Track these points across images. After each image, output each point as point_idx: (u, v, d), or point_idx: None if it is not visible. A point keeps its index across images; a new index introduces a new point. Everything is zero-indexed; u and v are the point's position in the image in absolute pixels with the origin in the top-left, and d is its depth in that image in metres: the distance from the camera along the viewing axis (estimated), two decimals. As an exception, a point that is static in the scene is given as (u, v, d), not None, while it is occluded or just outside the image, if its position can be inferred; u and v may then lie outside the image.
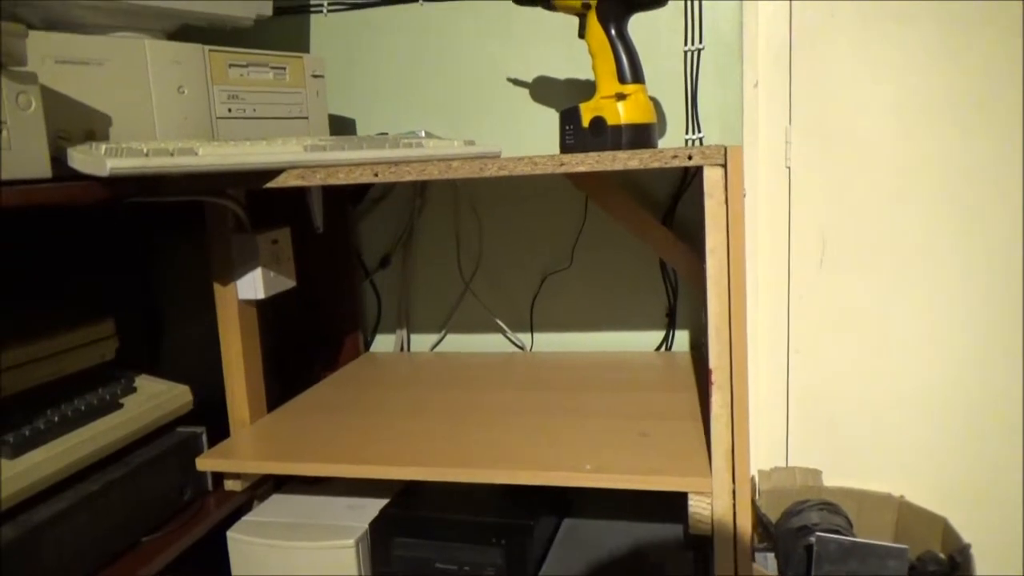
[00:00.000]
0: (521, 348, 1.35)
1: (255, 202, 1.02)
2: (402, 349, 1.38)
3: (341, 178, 0.80)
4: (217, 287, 0.97)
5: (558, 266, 1.31)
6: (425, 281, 1.36)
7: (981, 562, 1.26)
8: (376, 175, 0.80)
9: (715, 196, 0.75)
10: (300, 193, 1.21)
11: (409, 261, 1.36)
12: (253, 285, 0.96)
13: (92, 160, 0.72)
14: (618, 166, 0.77)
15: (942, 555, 1.15)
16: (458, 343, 1.37)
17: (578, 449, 0.88)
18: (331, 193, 1.28)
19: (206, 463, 0.90)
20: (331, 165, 0.82)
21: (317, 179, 0.81)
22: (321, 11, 1.32)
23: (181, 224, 1.00)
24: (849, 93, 1.22)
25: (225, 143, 0.81)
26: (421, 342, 1.38)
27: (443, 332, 1.37)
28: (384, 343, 1.39)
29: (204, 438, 0.95)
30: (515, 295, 1.34)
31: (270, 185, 0.82)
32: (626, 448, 0.88)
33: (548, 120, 1.28)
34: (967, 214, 1.20)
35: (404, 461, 0.87)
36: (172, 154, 0.74)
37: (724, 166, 0.75)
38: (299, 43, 1.34)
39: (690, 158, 0.76)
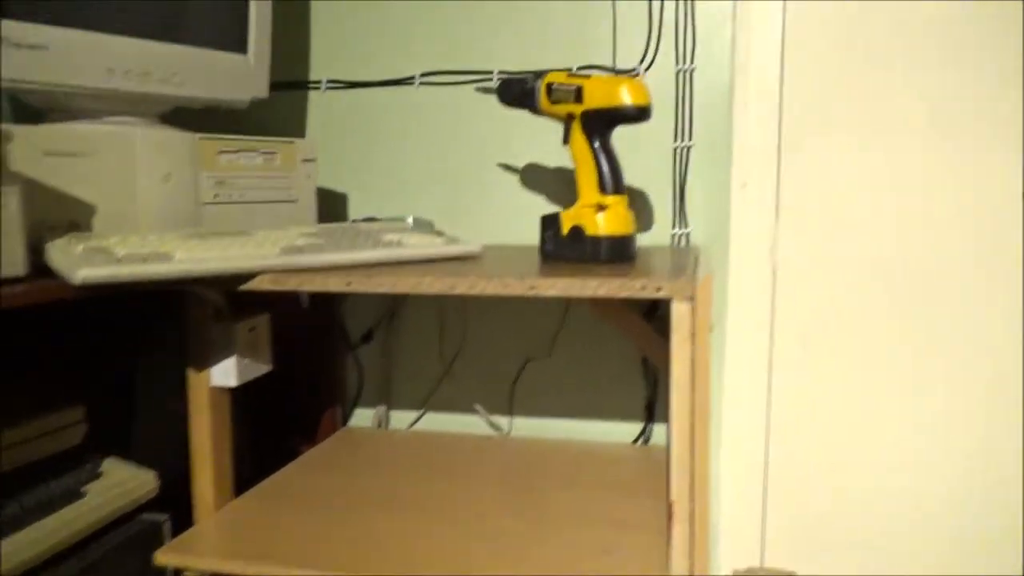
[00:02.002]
0: (498, 430, 1.34)
1: (237, 293, 1.02)
2: (380, 425, 1.38)
3: (316, 285, 0.81)
4: (191, 373, 0.98)
5: (540, 353, 1.31)
6: (407, 358, 1.36)
7: None
8: (348, 284, 0.80)
9: (681, 331, 0.76)
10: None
11: (392, 338, 1.36)
12: (226, 373, 0.97)
13: (66, 263, 0.73)
14: (587, 293, 0.77)
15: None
16: (437, 421, 1.37)
17: (537, 563, 0.88)
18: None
19: (165, 558, 0.89)
20: (306, 270, 0.82)
21: (291, 284, 0.81)
22: (319, 88, 1.35)
23: (160, 310, 1.01)
24: (837, 194, 1.22)
25: (202, 243, 0.82)
26: (400, 419, 1.38)
27: (423, 410, 1.37)
28: (363, 417, 1.39)
29: (167, 526, 0.94)
30: (496, 377, 1.34)
31: (245, 288, 0.82)
32: (585, 564, 0.87)
33: (537, 208, 1.29)
34: (955, 317, 1.20)
35: (361, 568, 0.86)
36: (145, 260, 0.75)
37: (692, 300, 0.75)
38: (295, 119, 1.36)
39: (659, 290, 0.76)
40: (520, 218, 1.29)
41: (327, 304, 1.31)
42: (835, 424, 1.26)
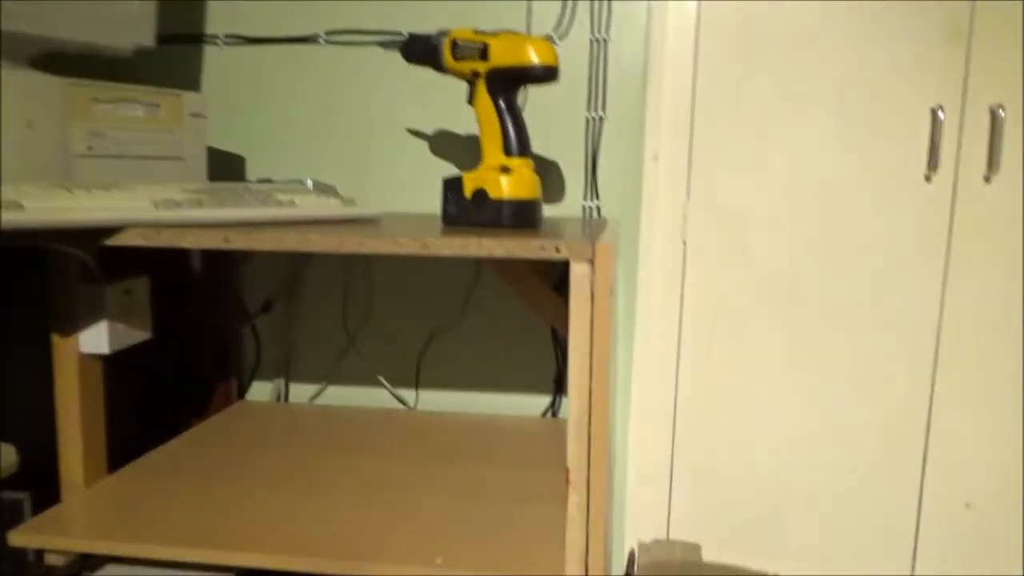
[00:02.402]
0: (405, 405, 1.30)
1: (112, 252, 0.94)
2: (279, 399, 1.31)
3: (189, 241, 0.75)
4: (56, 339, 0.90)
5: (448, 324, 1.28)
6: (309, 330, 1.30)
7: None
8: (227, 241, 0.74)
9: (581, 293, 0.73)
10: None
11: (293, 308, 1.30)
12: (98, 339, 0.89)
13: None
14: (483, 253, 0.74)
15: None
16: (340, 396, 1.31)
17: (435, 536, 0.84)
18: (212, 232, 1.21)
19: (21, 538, 0.81)
20: (179, 225, 0.76)
21: (163, 240, 0.75)
22: (216, 43, 1.26)
23: (18, 267, 0.92)
24: (750, 172, 1.22)
25: (65, 194, 0.74)
26: (300, 392, 1.32)
27: (324, 384, 1.31)
28: (260, 390, 1.32)
29: (26, 505, 0.86)
30: (402, 349, 1.29)
31: (111, 242, 0.75)
32: (485, 538, 0.84)
33: (446, 173, 1.24)
34: (860, 292, 1.22)
35: (242, 546, 0.81)
36: (-9, 207, 0.67)
37: (592, 262, 0.73)
38: (190, 75, 1.27)
39: (557, 251, 0.73)
40: (430, 185, 1.25)
41: (223, 272, 1.23)
42: (742, 399, 1.27)
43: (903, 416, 1.23)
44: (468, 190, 0.92)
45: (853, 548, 1.27)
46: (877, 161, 1.19)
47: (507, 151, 0.91)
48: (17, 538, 0.81)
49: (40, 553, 0.88)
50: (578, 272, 0.73)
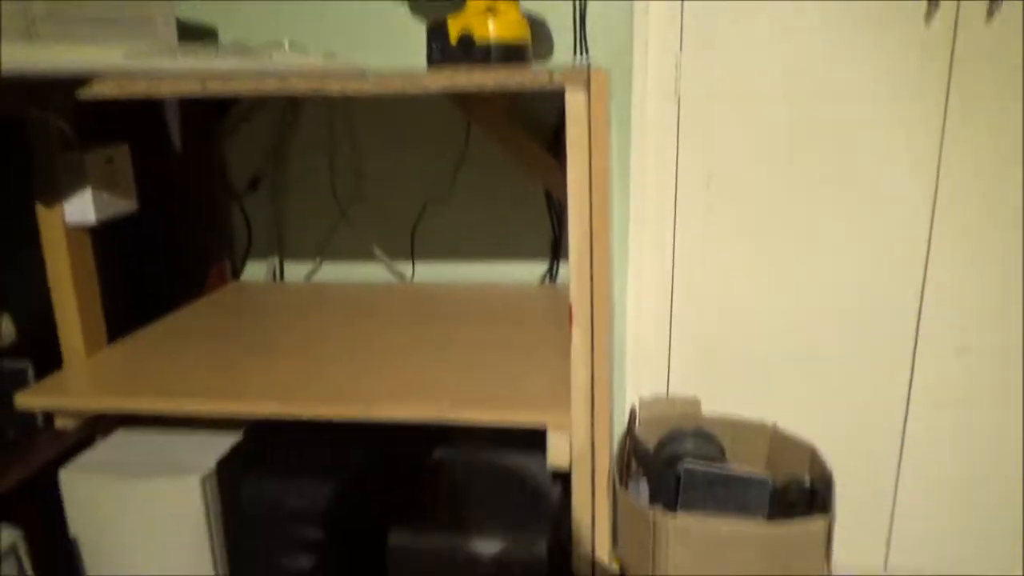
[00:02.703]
0: (401, 278, 1.30)
1: (90, 116, 0.91)
2: (274, 278, 1.30)
3: (164, 90, 0.72)
4: (41, 210, 0.88)
5: (440, 192, 1.25)
6: (299, 206, 1.28)
7: (847, 486, 1.32)
8: (204, 87, 0.71)
9: (577, 122, 0.71)
10: (154, 106, 1.10)
11: (281, 183, 1.27)
12: (83, 208, 0.87)
13: None
14: (474, 85, 0.71)
15: (807, 482, 1.19)
16: (335, 272, 1.30)
17: (441, 383, 0.85)
18: (191, 107, 1.17)
19: (27, 400, 0.82)
20: (154, 75, 0.73)
21: (138, 89, 0.72)
22: (175, -100, 1.18)
23: (2, 142, 0.89)
24: (744, 22, 1.18)
25: (26, 47, 0.71)
26: (295, 271, 1.31)
27: (318, 260, 1.30)
28: (255, 271, 1.31)
29: (30, 372, 0.86)
30: (395, 222, 1.27)
31: (84, 95, 0.72)
32: (490, 382, 0.85)
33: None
34: (858, 151, 1.20)
35: (252, 397, 0.81)
36: (-47, 53, 0.64)
37: (587, 90, 0.70)
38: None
39: (551, 79, 0.70)
40: (412, 49, 1.20)
41: (204, 147, 1.20)
42: (739, 258, 1.27)
43: (899, 265, 1.23)
44: (453, 35, 0.88)
45: (847, 395, 1.30)
46: (874, 5, 1.14)
47: (491, -11, 0.87)
48: (24, 400, 0.81)
49: (49, 419, 0.89)
50: (574, 101, 0.70)
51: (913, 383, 1.27)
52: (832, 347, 1.28)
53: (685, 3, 1.19)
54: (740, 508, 1.10)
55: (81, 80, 0.74)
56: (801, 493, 1.16)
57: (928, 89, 1.15)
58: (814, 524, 1.04)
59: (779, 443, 1.29)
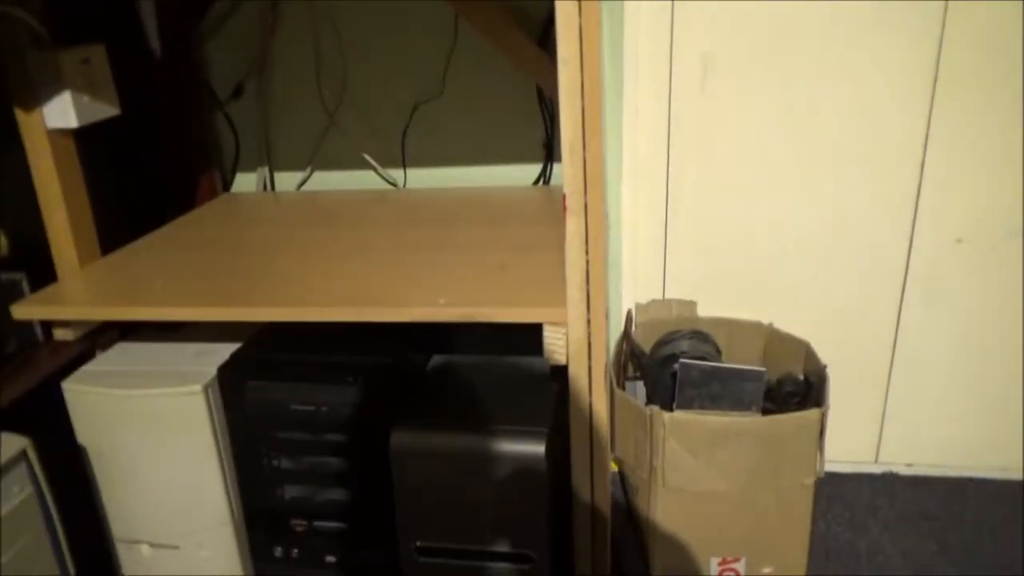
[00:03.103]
0: (393, 185, 1.28)
1: (61, 14, 0.87)
2: (265, 188, 1.28)
3: (136, -23, 0.68)
4: (19, 114, 0.85)
5: (429, 95, 1.22)
6: (286, 113, 1.25)
7: (841, 382, 1.34)
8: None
9: (567, 11, 0.68)
10: (128, 7, 1.05)
11: (265, 89, 1.24)
12: (63, 112, 0.84)
13: None
14: (459, -36, 0.67)
15: (801, 377, 1.21)
16: (327, 181, 1.28)
17: (435, 285, 0.85)
18: (167, 9, 1.12)
19: (23, 311, 0.81)
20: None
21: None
22: None
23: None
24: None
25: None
26: (286, 181, 1.29)
27: (309, 169, 1.28)
28: (245, 182, 1.29)
29: (25, 284, 0.86)
30: (385, 127, 1.24)
31: (50, -15, 0.69)
32: (485, 282, 0.85)
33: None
34: (848, 42, 1.16)
35: (250, 303, 0.81)
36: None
37: (577, -34, 0.67)
38: None
39: (539, -45, 0.67)
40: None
41: (184, 51, 1.15)
42: (734, 155, 1.25)
43: (896, 155, 1.21)
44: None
45: (844, 290, 1.30)
46: None
47: None
48: (20, 311, 0.81)
49: (48, 332, 0.88)
50: (563, -21, 0.67)
51: (908, 275, 1.27)
52: (828, 243, 1.28)
53: None
54: (735, 403, 1.12)
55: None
56: (796, 387, 1.18)
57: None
58: (807, 416, 1.06)
59: (775, 341, 1.30)
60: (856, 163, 1.22)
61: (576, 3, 0.67)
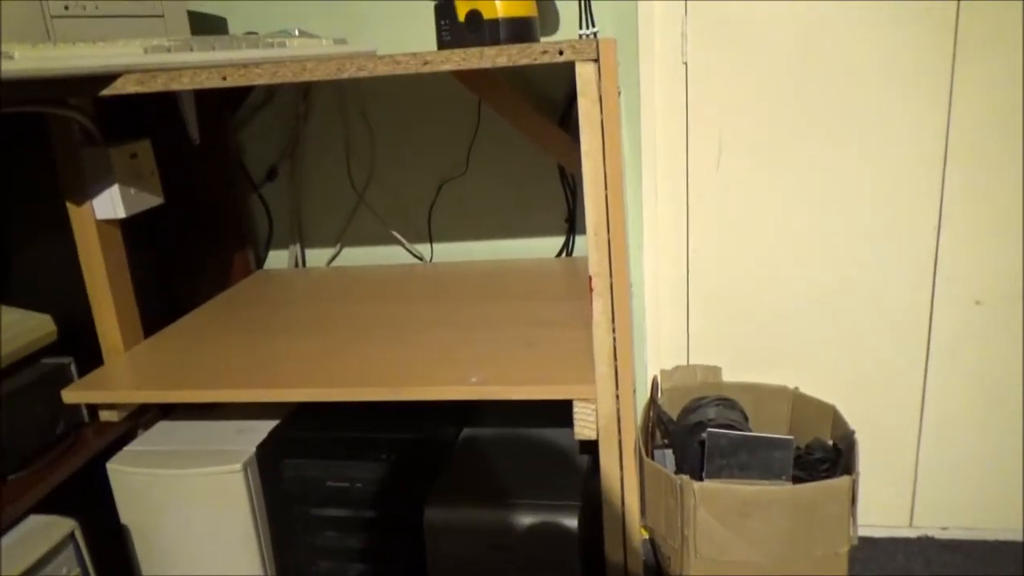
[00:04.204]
0: (420, 259, 1.31)
1: (110, 113, 0.93)
2: (297, 265, 1.33)
3: (185, 82, 0.73)
4: (71, 207, 0.90)
5: (454, 173, 1.27)
6: (317, 193, 1.30)
7: (870, 445, 1.34)
8: (224, 79, 0.73)
9: (588, 94, 0.72)
10: (170, 102, 1.11)
11: (298, 172, 1.29)
12: (111, 203, 0.89)
13: None
14: (485, 63, 0.72)
15: (829, 442, 1.21)
16: (356, 257, 1.32)
17: (466, 362, 0.87)
18: (206, 101, 1.18)
19: (73, 395, 0.85)
20: (174, 68, 0.74)
21: (158, 84, 0.73)
22: None
23: (26, 137, 0.91)
24: (746, -17, 1.17)
25: (50, 46, 0.72)
26: (317, 257, 1.33)
27: (339, 246, 1.32)
28: (278, 259, 1.34)
29: (73, 368, 0.89)
30: (411, 204, 1.29)
31: (107, 92, 0.74)
32: (514, 358, 0.87)
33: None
34: (864, 109, 1.20)
35: (287, 384, 0.84)
36: (-19, 59, 0.65)
37: (597, 61, 0.71)
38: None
39: (560, 53, 0.71)
40: (416, 34, 1.20)
41: (220, 139, 1.21)
42: (752, 220, 1.27)
43: (914, 218, 1.23)
44: (461, 13, 0.89)
45: (868, 354, 1.30)
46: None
47: (498, -32, 0.87)
48: (70, 395, 0.84)
49: (93, 413, 0.91)
50: (584, 73, 0.71)
51: (932, 337, 1.28)
52: (850, 306, 1.29)
53: (691, -30, 1.19)
54: (765, 471, 1.12)
55: (101, 77, 0.76)
56: (825, 453, 1.18)
57: (937, 37, 1.15)
58: (839, 483, 1.06)
59: (801, 405, 1.30)
60: (873, 227, 1.25)
61: (597, 102, 0.71)
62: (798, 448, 1.17)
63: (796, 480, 1.12)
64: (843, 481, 1.05)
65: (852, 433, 1.16)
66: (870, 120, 1.20)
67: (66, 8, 0.90)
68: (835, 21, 1.17)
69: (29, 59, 0.68)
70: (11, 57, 0.67)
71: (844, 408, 1.27)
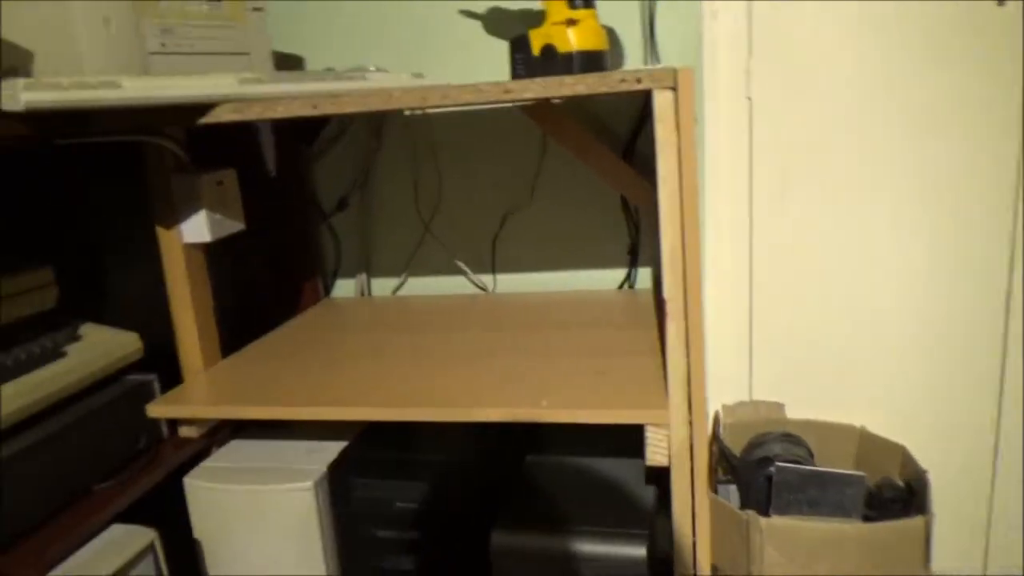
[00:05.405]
0: (483, 289, 1.33)
1: (198, 144, 0.98)
2: (363, 293, 1.36)
3: (279, 111, 0.77)
4: (160, 231, 0.94)
5: (519, 205, 1.29)
6: (384, 224, 1.34)
7: (941, 487, 1.29)
8: (315, 107, 0.77)
9: (666, 121, 0.73)
10: (250, 134, 1.17)
11: (367, 203, 1.33)
12: (198, 228, 0.93)
13: (9, 94, 0.68)
14: (565, 92, 0.74)
15: (900, 482, 1.17)
16: (420, 286, 1.35)
17: (535, 387, 0.88)
18: (284, 135, 1.24)
19: (157, 410, 0.88)
20: (268, 99, 0.78)
21: (254, 113, 0.77)
22: (263, -59, 1.26)
23: (121, 165, 0.96)
24: (811, 22, 1.19)
25: (154, 77, 0.77)
26: (382, 286, 1.36)
27: (404, 276, 1.35)
28: (344, 288, 1.37)
29: (156, 385, 0.93)
30: (476, 236, 1.32)
31: (205, 120, 0.78)
32: (584, 384, 0.88)
33: (502, 53, 1.24)
34: (931, 145, 1.19)
35: (359, 403, 0.85)
36: (94, 87, 0.70)
37: (674, 89, 0.73)
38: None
39: (639, 81, 0.73)
40: (485, 69, 1.24)
41: (295, 171, 1.26)
42: (818, 256, 1.27)
43: (985, 255, 1.21)
44: (536, 47, 0.92)
45: (938, 393, 1.27)
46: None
47: (571, 3, 0.90)
48: (154, 410, 0.87)
49: (173, 428, 0.94)
50: (662, 100, 0.73)
51: (1005, 376, 1.24)
52: (919, 345, 1.26)
53: (753, 9, 1.21)
54: (835, 509, 1.09)
55: (196, 108, 0.80)
56: (897, 492, 1.14)
57: (1004, 72, 1.14)
58: (913, 524, 1.02)
59: (868, 444, 1.27)
60: (943, 263, 1.23)
61: (675, 129, 0.72)
62: (868, 486, 1.14)
63: (867, 519, 1.09)
64: (917, 521, 1.02)
65: (924, 473, 1.13)
66: (939, 155, 1.19)
67: (163, 45, 0.95)
68: (901, 58, 1.17)
69: (136, 88, 0.72)
70: (120, 86, 0.72)
71: (913, 448, 1.23)
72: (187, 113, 0.79)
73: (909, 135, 1.19)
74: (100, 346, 0.89)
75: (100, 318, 0.94)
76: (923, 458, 1.19)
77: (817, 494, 1.09)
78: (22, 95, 0.66)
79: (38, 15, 0.83)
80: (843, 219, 1.24)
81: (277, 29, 1.28)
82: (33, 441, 0.77)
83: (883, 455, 1.24)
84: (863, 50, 1.18)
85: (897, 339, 1.27)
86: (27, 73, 0.82)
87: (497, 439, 0.96)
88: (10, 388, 0.77)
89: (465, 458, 0.92)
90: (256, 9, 1.07)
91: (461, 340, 1.06)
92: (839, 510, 1.08)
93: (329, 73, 0.93)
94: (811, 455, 1.22)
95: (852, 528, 1.03)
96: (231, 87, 0.78)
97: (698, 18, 1.19)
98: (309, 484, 0.89)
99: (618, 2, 1.18)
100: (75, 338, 0.88)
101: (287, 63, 1.29)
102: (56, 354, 0.84)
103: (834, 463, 1.29)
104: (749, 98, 1.24)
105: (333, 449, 0.95)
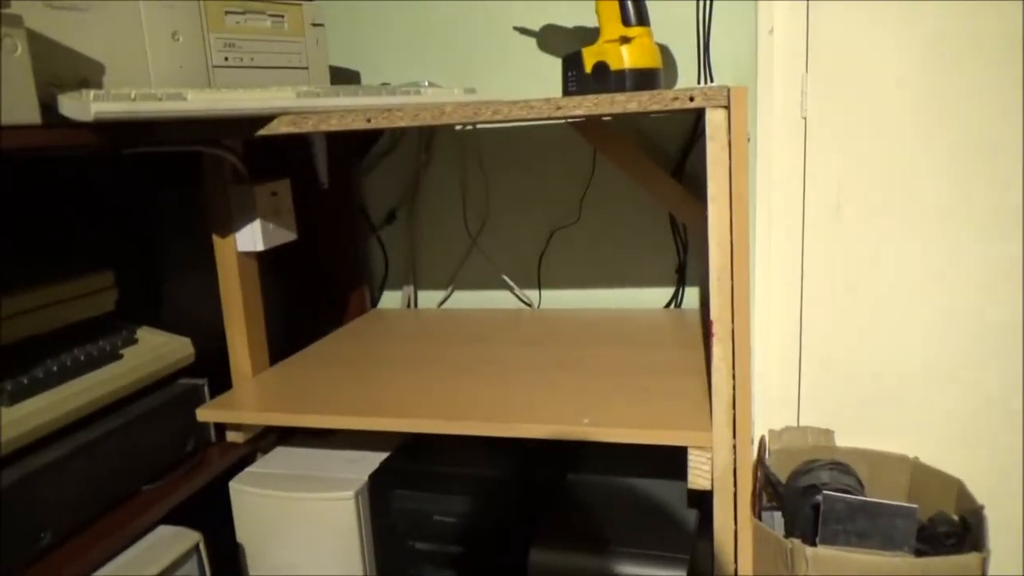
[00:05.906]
0: (529, 305, 1.33)
1: (255, 155, 1.00)
2: (409, 305, 1.37)
3: (333, 124, 0.79)
4: (216, 239, 0.97)
5: (566, 221, 1.29)
6: (432, 237, 1.35)
7: (997, 525, 1.24)
8: (369, 121, 0.78)
9: (718, 139, 0.73)
10: (304, 147, 1.19)
11: (415, 217, 1.35)
12: (252, 237, 0.96)
13: (79, 105, 0.71)
14: (616, 109, 0.74)
15: (955, 517, 1.13)
16: (466, 300, 1.36)
17: (578, 404, 0.87)
18: (336, 148, 1.26)
19: (206, 414, 0.90)
20: (323, 112, 0.80)
21: (309, 125, 0.79)
22: (324, -41, 1.29)
23: (180, 175, 0.99)
24: (868, 42, 1.17)
25: (217, 90, 0.79)
26: (428, 299, 1.37)
27: (450, 288, 1.36)
28: (391, 299, 1.38)
29: (206, 390, 0.95)
30: (522, 251, 1.32)
31: (263, 132, 0.80)
32: (626, 403, 0.87)
33: (556, 70, 1.24)
34: (988, 167, 1.15)
35: (402, 414, 0.86)
36: (160, 99, 0.73)
37: (727, 108, 0.72)
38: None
39: (691, 99, 0.73)
40: (538, 86, 1.25)
41: (346, 183, 1.28)
42: (870, 281, 1.24)
43: (1052, 284, 1.16)
44: (588, 64, 0.92)
45: (996, 425, 1.22)
46: (1006, 21, 1.10)
47: (625, 21, 0.90)
48: (204, 414, 0.89)
49: (221, 433, 0.96)
50: (715, 119, 0.72)
51: (1072, 414, 1.19)
52: (974, 373, 1.22)
53: (810, 26, 1.19)
54: (884, 541, 1.05)
55: (255, 120, 0.82)
56: (951, 527, 1.10)
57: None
58: (968, 560, 0.98)
59: (922, 476, 1.23)
60: (1002, 289, 1.18)
61: (726, 147, 0.72)
62: (920, 519, 1.10)
63: (919, 553, 1.05)
64: (973, 558, 0.98)
65: (981, 508, 1.09)
66: (996, 176, 1.16)
67: (226, 59, 0.98)
68: (959, 79, 1.14)
69: (200, 100, 0.74)
70: (184, 98, 0.74)
71: (968, 481, 1.19)
72: (246, 124, 0.81)
73: (966, 157, 1.16)
74: (154, 350, 0.91)
75: (155, 322, 0.97)
76: (979, 493, 1.15)
77: (866, 525, 1.05)
78: (92, 106, 0.69)
79: (110, 28, 0.86)
80: (898, 241, 1.21)
81: (335, 45, 1.31)
82: (87, 440, 0.80)
83: (938, 488, 1.20)
84: (921, 69, 1.15)
85: (954, 367, 1.23)
86: (97, 84, 0.86)
87: (538, 456, 0.96)
88: (68, 388, 0.79)
89: (505, 474, 0.92)
90: (315, 24, 1.09)
91: (504, 355, 1.06)
92: (889, 543, 1.05)
93: (384, 88, 0.94)
94: (861, 485, 1.18)
95: (903, 562, 0.99)
96: (290, 100, 0.80)
97: (753, 35, 1.18)
98: (350, 494, 0.90)
99: (674, 20, 1.18)
100: (131, 341, 0.91)
101: (344, 78, 1.31)
102: (113, 356, 0.86)
103: (885, 494, 1.25)
104: (804, 117, 1.22)
105: (373, 460, 0.95)
